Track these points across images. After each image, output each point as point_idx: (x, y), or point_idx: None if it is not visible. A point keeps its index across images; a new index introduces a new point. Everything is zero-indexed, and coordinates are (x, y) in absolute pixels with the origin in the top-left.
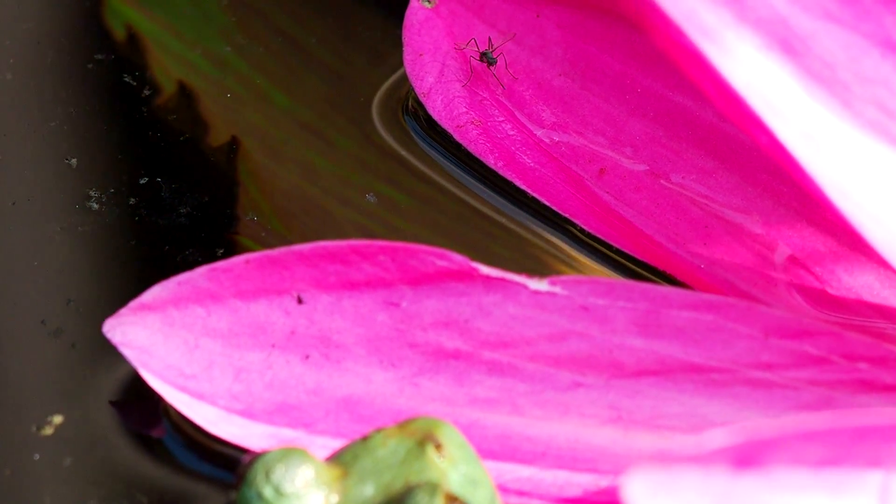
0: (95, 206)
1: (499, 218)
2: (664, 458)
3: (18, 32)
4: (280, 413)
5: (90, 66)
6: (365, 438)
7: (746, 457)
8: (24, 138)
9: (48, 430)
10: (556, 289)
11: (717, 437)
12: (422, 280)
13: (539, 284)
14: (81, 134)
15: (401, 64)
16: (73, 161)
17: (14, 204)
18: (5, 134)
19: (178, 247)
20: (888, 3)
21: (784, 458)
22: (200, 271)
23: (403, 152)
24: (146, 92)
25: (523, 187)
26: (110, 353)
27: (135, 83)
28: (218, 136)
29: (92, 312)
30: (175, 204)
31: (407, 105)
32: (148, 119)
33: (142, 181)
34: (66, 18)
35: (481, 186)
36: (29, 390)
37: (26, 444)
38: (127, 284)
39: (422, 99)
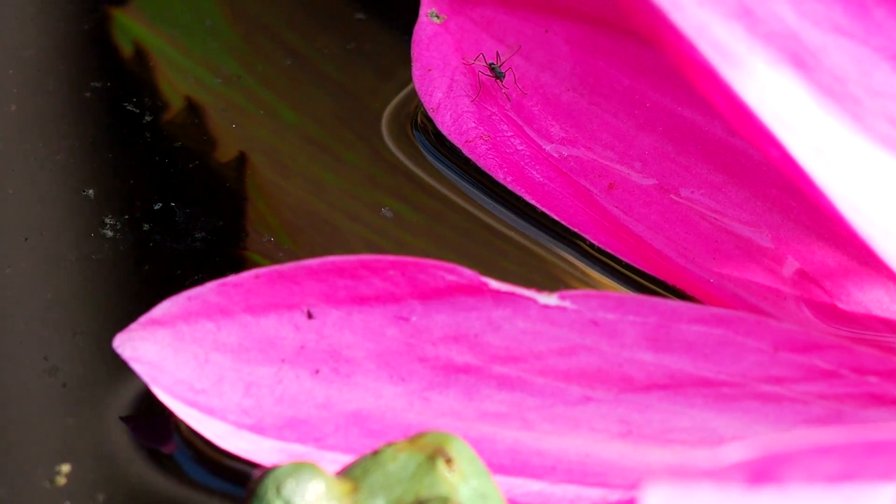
0: (110, 233)
1: (508, 233)
2: (680, 473)
3: (20, 61)
4: (290, 428)
5: (88, 94)
6: (375, 453)
7: (762, 471)
8: (34, 171)
9: (61, 481)
10: (566, 303)
11: (733, 452)
12: (431, 295)
13: (549, 299)
14: (90, 164)
15: (410, 79)
16: (91, 192)
17: (27, 239)
18: (13, 168)
19: (191, 271)
20: None
21: (799, 473)
22: (210, 286)
23: (412, 167)
24: (147, 117)
25: (532, 202)
26: (119, 377)
27: (137, 110)
28: (226, 152)
29: (101, 340)
30: (190, 228)
31: (416, 120)
32: (153, 143)
33: (156, 206)
34: (63, 45)
35: (490, 201)
36: (38, 436)
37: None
38: (138, 309)
39: (431, 114)
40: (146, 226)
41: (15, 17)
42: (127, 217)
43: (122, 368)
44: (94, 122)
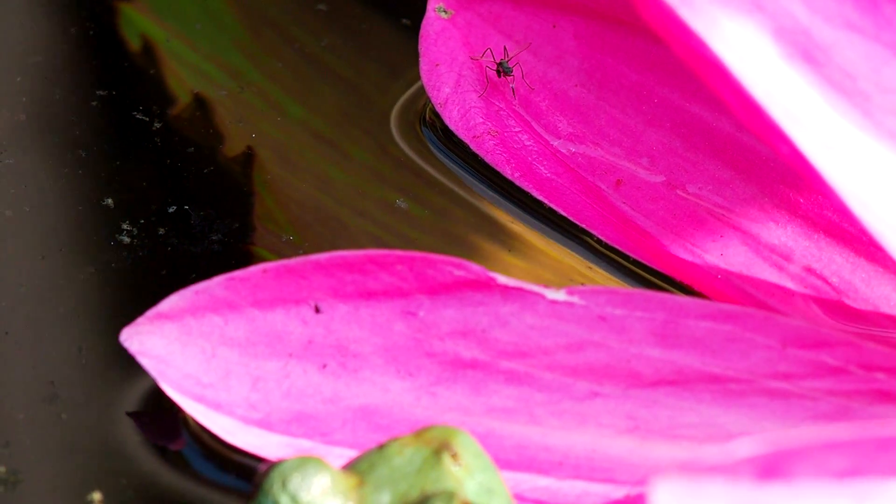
0: (127, 239)
1: (515, 228)
2: (690, 468)
3: (28, 68)
4: (297, 422)
5: (94, 103)
6: (381, 447)
7: (772, 467)
8: (46, 185)
9: None
10: (574, 299)
11: (743, 447)
12: (439, 290)
13: (556, 294)
14: (103, 173)
15: (419, 76)
16: (109, 201)
17: (44, 258)
18: (25, 185)
19: (208, 272)
20: None
21: (808, 469)
22: (217, 280)
23: (420, 163)
24: (157, 124)
25: (540, 198)
26: (132, 374)
27: (146, 118)
28: (234, 148)
29: (118, 348)
30: (205, 230)
31: (424, 116)
32: (162, 145)
33: (170, 209)
34: (71, 49)
35: (498, 197)
36: (61, 468)
37: None
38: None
39: (438, 109)
40: (162, 230)
41: (20, 23)
42: (143, 222)
43: (135, 373)
44: (103, 130)
